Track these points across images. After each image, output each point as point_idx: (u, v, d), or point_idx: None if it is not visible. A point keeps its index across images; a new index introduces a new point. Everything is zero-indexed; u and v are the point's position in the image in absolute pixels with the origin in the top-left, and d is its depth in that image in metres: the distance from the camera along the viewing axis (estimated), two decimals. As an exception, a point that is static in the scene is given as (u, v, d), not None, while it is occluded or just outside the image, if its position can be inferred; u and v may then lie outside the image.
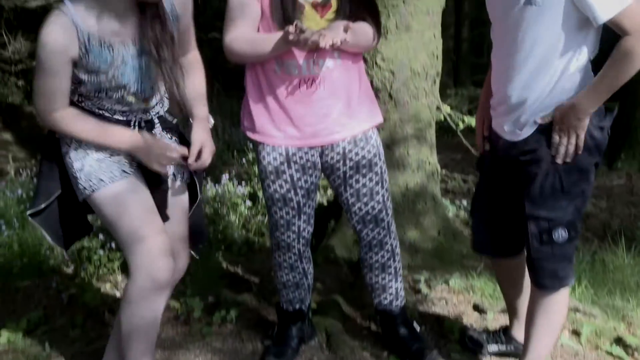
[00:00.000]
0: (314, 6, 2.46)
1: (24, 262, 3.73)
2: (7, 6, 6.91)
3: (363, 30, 2.49)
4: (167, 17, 2.24)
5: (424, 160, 3.84)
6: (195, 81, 2.45)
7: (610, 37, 2.17)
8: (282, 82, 2.50)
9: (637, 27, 2.05)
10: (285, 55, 2.45)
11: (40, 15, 6.37)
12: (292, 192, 2.62)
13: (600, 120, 2.28)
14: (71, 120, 2.23)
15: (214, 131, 7.41)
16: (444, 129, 5.04)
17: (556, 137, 2.25)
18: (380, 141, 2.68)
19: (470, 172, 6.66)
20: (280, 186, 2.61)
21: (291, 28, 2.29)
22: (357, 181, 2.63)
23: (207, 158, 2.39)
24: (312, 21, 2.46)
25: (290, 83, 2.49)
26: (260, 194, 4.63)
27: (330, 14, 2.48)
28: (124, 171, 2.28)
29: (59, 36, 2.11)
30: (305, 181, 2.63)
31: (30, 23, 8.62)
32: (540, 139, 2.29)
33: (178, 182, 2.44)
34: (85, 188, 2.25)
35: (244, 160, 5.61)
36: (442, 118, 4.51)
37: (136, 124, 2.32)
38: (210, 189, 4.71)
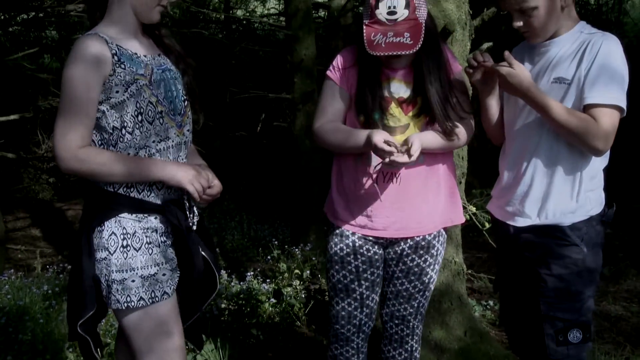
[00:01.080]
0: (400, 103, 2.52)
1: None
2: (43, 106, 7.14)
3: (437, 140, 2.51)
4: (178, 45, 2.36)
5: (449, 259, 3.81)
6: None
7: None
8: (361, 173, 2.55)
9: (607, 127, 2.23)
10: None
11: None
12: (356, 283, 2.62)
13: (603, 215, 2.38)
14: (100, 154, 2.14)
15: (239, 226, 7.47)
16: (469, 228, 5.02)
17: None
18: (443, 246, 2.69)
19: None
20: (344, 276, 2.63)
21: (377, 137, 2.35)
22: (402, 284, 2.65)
23: (217, 183, 2.32)
24: (395, 117, 2.53)
25: (368, 175, 2.53)
26: (284, 290, 4.60)
27: (414, 111, 2.53)
28: (166, 292, 2.21)
29: (92, 49, 2.11)
30: (372, 273, 2.64)
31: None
32: (547, 235, 2.38)
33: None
34: (119, 301, 2.16)
35: (269, 257, 5.60)
36: (468, 217, 4.50)
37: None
38: (235, 286, 4.69)
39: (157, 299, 2.18)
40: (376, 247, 2.64)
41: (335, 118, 2.61)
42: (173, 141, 2.27)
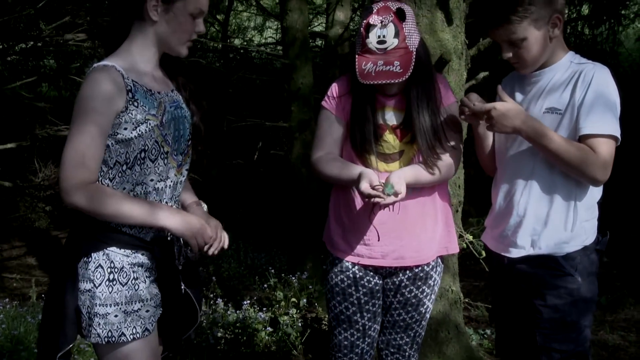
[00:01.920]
0: (393, 129, 2.54)
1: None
2: (40, 135, 7.15)
3: (418, 174, 2.51)
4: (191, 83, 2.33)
5: (446, 288, 3.80)
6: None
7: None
8: (358, 202, 2.56)
9: (604, 157, 2.23)
10: None
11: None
12: (359, 314, 2.62)
13: (596, 243, 2.37)
14: (108, 194, 2.05)
15: (236, 254, 7.45)
16: (466, 256, 5.01)
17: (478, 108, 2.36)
18: (440, 276, 2.70)
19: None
20: (347, 308, 2.63)
21: (363, 186, 2.36)
22: (399, 314, 2.65)
23: (220, 232, 2.30)
24: (389, 143, 2.54)
25: (365, 204, 2.53)
26: (281, 319, 4.58)
27: (407, 138, 2.55)
28: (147, 329, 2.16)
29: (107, 83, 2.04)
30: (373, 304, 2.64)
31: (61, 151, 8.89)
32: (541, 266, 2.37)
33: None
34: (99, 335, 2.10)
35: (265, 285, 5.58)
36: (465, 246, 4.50)
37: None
38: (231, 314, 4.67)
39: (137, 335, 2.13)
40: (376, 277, 2.64)
41: (332, 148, 2.63)
42: (172, 181, 2.24)
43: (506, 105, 2.30)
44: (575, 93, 2.29)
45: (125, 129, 2.08)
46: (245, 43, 12.50)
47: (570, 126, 2.30)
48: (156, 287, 2.23)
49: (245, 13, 12.96)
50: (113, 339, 2.10)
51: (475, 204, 5.49)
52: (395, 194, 2.35)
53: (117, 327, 2.10)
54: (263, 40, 13.57)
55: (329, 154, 2.62)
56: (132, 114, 2.08)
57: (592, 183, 2.31)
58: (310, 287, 5.34)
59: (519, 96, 2.47)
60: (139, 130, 2.10)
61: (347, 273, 2.62)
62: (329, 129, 2.64)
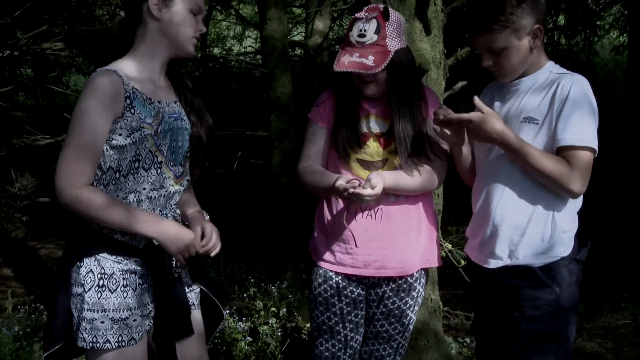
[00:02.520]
0: (378, 137, 2.54)
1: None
2: (17, 144, 7.09)
3: (405, 181, 2.51)
4: (197, 95, 2.34)
5: (426, 296, 3.81)
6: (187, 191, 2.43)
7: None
8: (342, 209, 2.56)
9: (581, 169, 2.23)
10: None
11: (49, 153, 6.54)
12: (341, 325, 2.61)
13: (576, 253, 2.36)
14: (97, 198, 2.08)
15: (215, 263, 7.41)
16: (445, 264, 5.02)
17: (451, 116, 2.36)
18: (423, 288, 2.70)
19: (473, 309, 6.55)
20: (329, 318, 2.61)
21: (338, 182, 2.39)
22: (382, 325, 2.65)
23: (215, 238, 2.31)
24: (373, 151, 2.56)
25: (349, 211, 2.54)
26: (261, 329, 4.56)
27: (392, 147, 2.55)
28: (134, 337, 2.17)
29: (107, 86, 2.07)
30: (355, 315, 2.63)
31: (38, 160, 8.81)
32: (518, 277, 2.36)
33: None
34: (84, 340, 2.13)
35: (245, 295, 5.55)
36: (444, 254, 4.51)
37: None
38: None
39: (123, 343, 2.14)
40: (359, 288, 2.64)
41: (316, 159, 2.64)
42: (167, 190, 2.25)
43: (482, 116, 2.31)
44: (553, 104, 2.30)
45: (120, 134, 2.11)
46: (224, 52, 12.49)
47: (548, 137, 2.31)
48: (150, 295, 2.24)
49: (224, 22, 12.96)
50: (97, 345, 2.12)
51: (455, 213, 5.51)
52: (372, 187, 2.35)
53: (103, 333, 2.12)
54: (242, 50, 13.57)
55: (311, 165, 2.63)
56: (127, 121, 2.11)
57: (570, 195, 2.31)
58: (290, 296, 5.33)
59: (498, 105, 2.48)
60: (134, 137, 2.12)
61: (331, 282, 2.61)
62: (313, 139, 2.66)
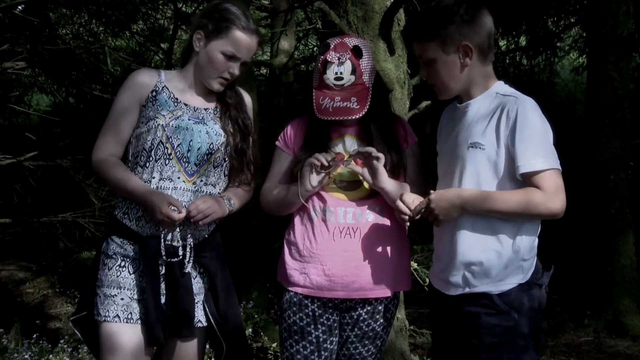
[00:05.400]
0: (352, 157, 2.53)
1: None
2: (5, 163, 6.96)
3: (384, 174, 2.52)
4: (244, 114, 2.59)
5: (392, 315, 3.81)
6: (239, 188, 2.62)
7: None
8: (318, 229, 2.54)
9: (551, 189, 2.19)
10: (323, 202, 2.53)
11: (10, 173, 6.43)
12: (316, 354, 2.56)
13: (538, 278, 2.33)
14: (111, 166, 2.46)
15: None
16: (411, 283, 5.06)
17: (415, 206, 2.34)
18: (397, 309, 2.69)
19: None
20: (304, 347, 2.55)
21: (309, 159, 2.44)
22: (355, 348, 2.61)
23: (201, 206, 2.42)
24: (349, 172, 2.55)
25: (326, 230, 2.52)
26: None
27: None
28: (118, 315, 2.42)
29: (143, 76, 2.52)
30: (331, 342, 2.58)
31: (3, 179, 8.66)
32: (476, 304, 2.32)
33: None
34: (93, 310, 2.46)
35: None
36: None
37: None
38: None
39: (108, 318, 2.41)
40: (335, 314, 2.60)
41: (279, 180, 2.66)
42: (175, 185, 2.46)
43: (438, 193, 2.31)
44: (499, 129, 2.25)
45: (142, 123, 2.48)
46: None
47: (495, 162, 2.27)
48: (143, 280, 2.44)
49: (189, 42, 12.91)
50: (93, 315, 2.45)
51: (420, 231, 5.55)
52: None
53: (98, 305, 2.44)
54: (207, 69, 13.51)
55: (273, 185, 2.65)
56: (147, 110, 2.47)
57: (553, 217, 2.23)
58: (255, 316, 5.30)
59: (449, 129, 2.46)
60: (149, 125, 2.45)
61: (306, 311, 2.56)
62: (278, 164, 2.68)
